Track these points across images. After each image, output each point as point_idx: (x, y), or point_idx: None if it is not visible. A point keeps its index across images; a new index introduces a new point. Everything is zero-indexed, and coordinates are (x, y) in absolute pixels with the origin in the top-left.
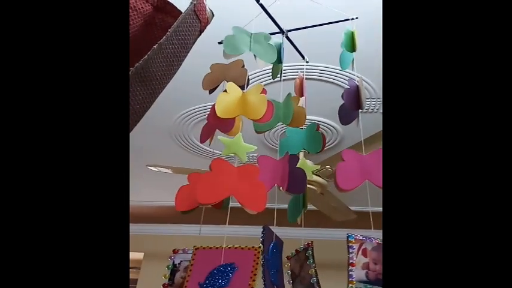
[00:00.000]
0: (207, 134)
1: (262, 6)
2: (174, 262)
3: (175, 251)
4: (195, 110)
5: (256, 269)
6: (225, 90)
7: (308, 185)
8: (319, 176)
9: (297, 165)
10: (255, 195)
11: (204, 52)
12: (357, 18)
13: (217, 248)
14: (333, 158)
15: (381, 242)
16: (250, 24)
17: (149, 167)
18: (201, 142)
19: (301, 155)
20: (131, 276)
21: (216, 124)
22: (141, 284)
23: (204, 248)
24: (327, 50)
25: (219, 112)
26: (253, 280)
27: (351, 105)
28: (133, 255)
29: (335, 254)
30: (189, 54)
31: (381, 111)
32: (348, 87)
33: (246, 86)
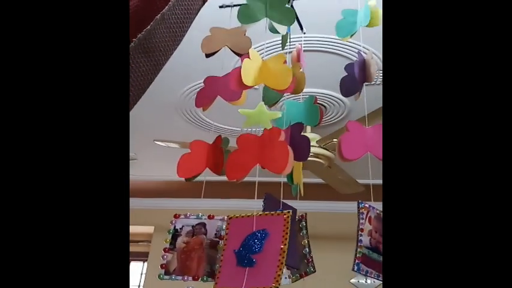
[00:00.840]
0: (204, 99)
1: None
2: (175, 227)
3: (176, 216)
4: (200, 84)
5: (286, 233)
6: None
7: (315, 159)
8: (327, 150)
9: None
10: (277, 157)
11: (209, 24)
12: None
13: (248, 216)
14: (339, 131)
15: (380, 213)
16: None
17: (157, 142)
18: (197, 106)
19: (308, 128)
20: (142, 249)
21: (219, 91)
22: (152, 257)
23: (236, 217)
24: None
25: (246, 80)
26: (285, 244)
27: (358, 77)
28: (144, 229)
29: (332, 226)
30: (194, 27)
31: None
32: (357, 59)
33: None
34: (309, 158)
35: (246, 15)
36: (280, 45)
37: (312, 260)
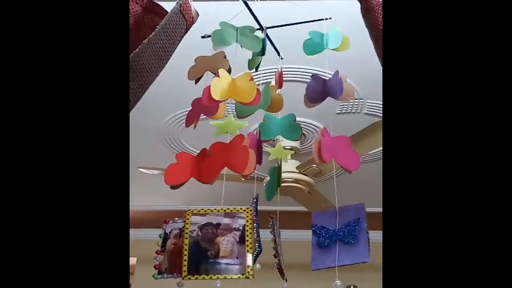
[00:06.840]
0: (192, 119)
1: (246, 3)
2: (165, 231)
3: (166, 222)
4: (184, 113)
5: (250, 227)
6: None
7: (296, 184)
8: (306, 175)
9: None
10: (239, 159)
11: (191, 55)
12: (330, 18)
13: (212, 211)
14: None
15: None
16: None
17: (140, 169)
18: (187, 126)
19: (288, 155)
20: None
21: (202, 109)
22: None
23: (198, 211)
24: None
25: (214, 95)
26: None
27: (326, 92)
28: None
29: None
30: (176, 58)
31: (364, 111)
32: (332, 78)
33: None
34: (289, 184)
35: (219, 39)
36: (268, 75)
37: (282, 269)
